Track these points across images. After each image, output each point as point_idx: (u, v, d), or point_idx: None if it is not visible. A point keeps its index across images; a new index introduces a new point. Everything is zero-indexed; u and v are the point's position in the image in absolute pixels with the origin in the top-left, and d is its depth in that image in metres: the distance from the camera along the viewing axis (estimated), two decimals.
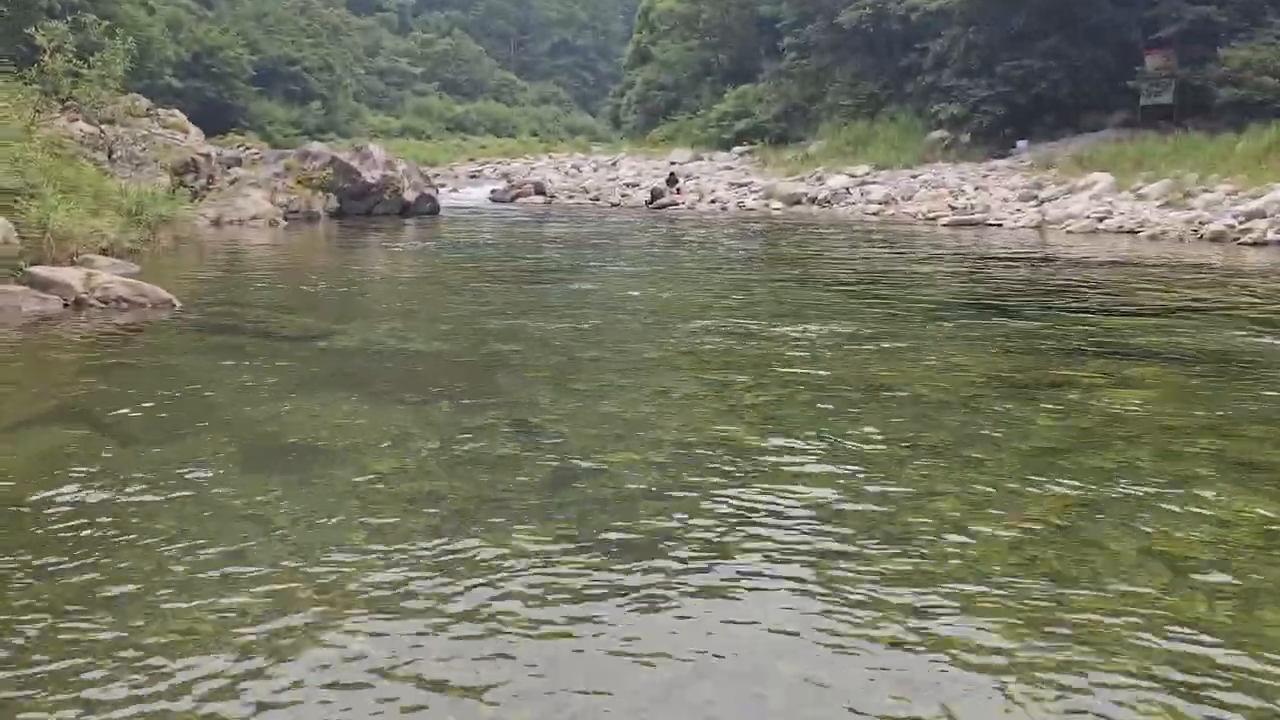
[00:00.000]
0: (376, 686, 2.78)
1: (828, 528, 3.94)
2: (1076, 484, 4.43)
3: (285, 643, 2.98)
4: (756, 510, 4.11)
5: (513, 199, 32.18)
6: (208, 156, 22.08)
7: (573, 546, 3.71)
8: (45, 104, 15.98)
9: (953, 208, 23.52)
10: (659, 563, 3.59)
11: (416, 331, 8.29)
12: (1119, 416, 5.63)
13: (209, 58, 57.92)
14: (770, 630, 3.13)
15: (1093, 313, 9.46)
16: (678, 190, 31.05)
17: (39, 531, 3.76)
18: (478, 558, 3.60)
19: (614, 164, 41.33)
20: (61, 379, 6.53)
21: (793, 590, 3.39)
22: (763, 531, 3.89)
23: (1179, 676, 2.86)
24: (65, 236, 10.01)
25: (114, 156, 17.57)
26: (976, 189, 25.70)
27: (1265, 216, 17.23)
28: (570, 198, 32.79)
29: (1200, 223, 17.94)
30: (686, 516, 4.03)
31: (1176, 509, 4.14)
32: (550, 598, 3.30)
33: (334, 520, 3.91)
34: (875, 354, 7.31)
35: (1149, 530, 3.92)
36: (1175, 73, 27.10)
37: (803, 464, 4.72)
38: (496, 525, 3.89)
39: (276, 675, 2.82)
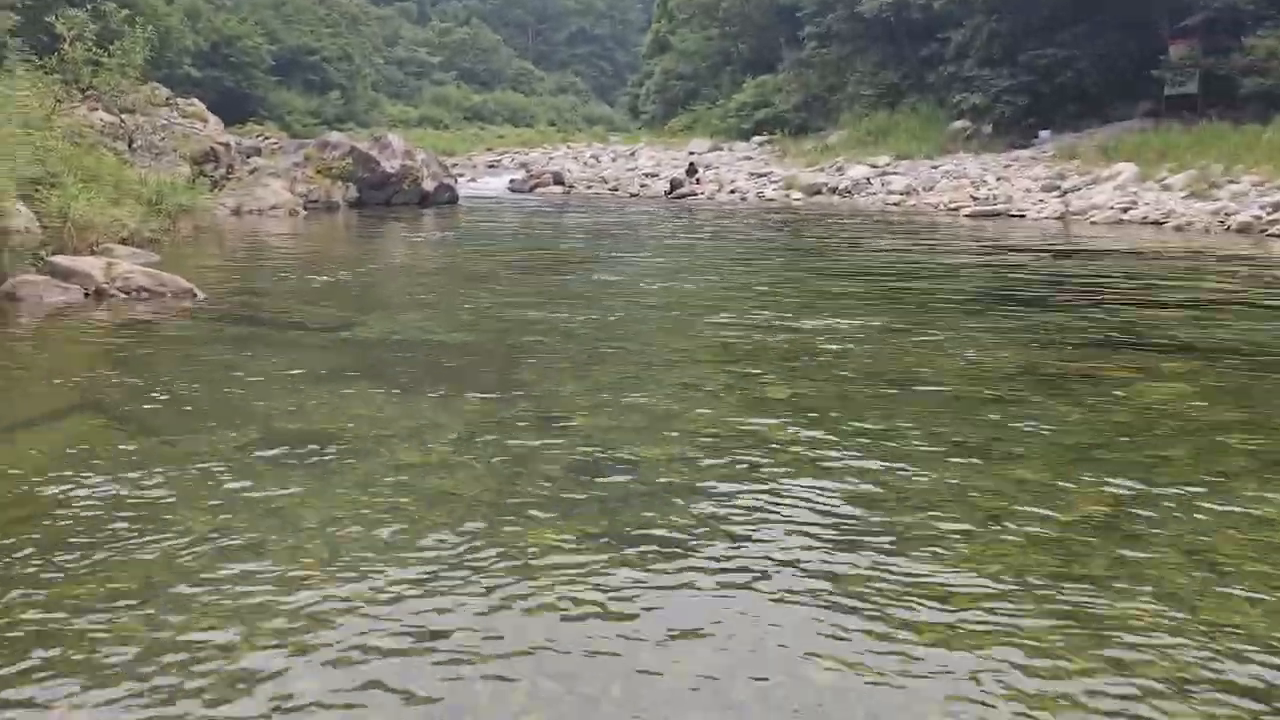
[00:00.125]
0: (402, 680, 2.73)
1: (861, 523, 3.87)
2: (1113, 481, 4.34)
3: (308, 636, 2.94)
4: (787, 506, 4.04)
5: (531, 189, 32.10)
6: (227, 146, 22.12)
7: (601, 541, 3.64)
8: (66, 93, 15.99)
9: (974, 198, 23.33)
10: (689, 559, 3.52)
11: (438, 322, 8.24)
12: (1153, 411, 5.54)
13: (227, 47, 58.05)
14: (803, 627, 3.07)
15: (1122, 305, 9.33)
16: (697, 180, 30.92)
17: (61, 523, 3.73)
18: (504, 552, 3.54)
19: (633, 154, 41.18)
20: (84, 370, 6.51)
21: (826, 587, 3.32)
22: (794, 528, 3.82)
23: (1218, 678, 2.79)
24: (86, 226, 10.00)
25: (134, 146, 17.60)
26: (998, 180, 25.48)
27: None
28: (589, 188, 32.71)
29: (1227, 214, 17.71)
30: (716, 511, 3.97)
31: (1215, 506, 4.06)
32: (578, 593, 3.24)
33: (358, 513, 3.86)
34: (904, 346, 7.21)
35: (1187, 529, 3.83)
36: (1200, 62, 26.76)
37: (834, 458, 4.65)
38: (522, 519, 3.84)
39: (299, 668, 2.77)
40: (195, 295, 8.93)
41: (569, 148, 48.47)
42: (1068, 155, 26.26)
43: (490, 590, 3.25)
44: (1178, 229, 17.78)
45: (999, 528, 3.83)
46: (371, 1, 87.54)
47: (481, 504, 3.99)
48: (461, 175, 32.72)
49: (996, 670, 2.83)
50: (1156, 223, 18.60)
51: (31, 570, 3.33)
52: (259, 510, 3.88)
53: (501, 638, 2.97)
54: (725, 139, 41.94)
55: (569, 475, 4.35)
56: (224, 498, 4.01)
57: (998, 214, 21.61)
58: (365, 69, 74.31)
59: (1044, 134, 29.70)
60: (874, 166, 30.11)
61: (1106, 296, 9.91)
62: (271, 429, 4.99)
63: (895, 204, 25.03)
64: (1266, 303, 9.54)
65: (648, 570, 3.43)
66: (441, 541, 3.62)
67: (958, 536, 3.74)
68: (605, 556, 3.52)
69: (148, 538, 3.60)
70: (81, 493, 4.03)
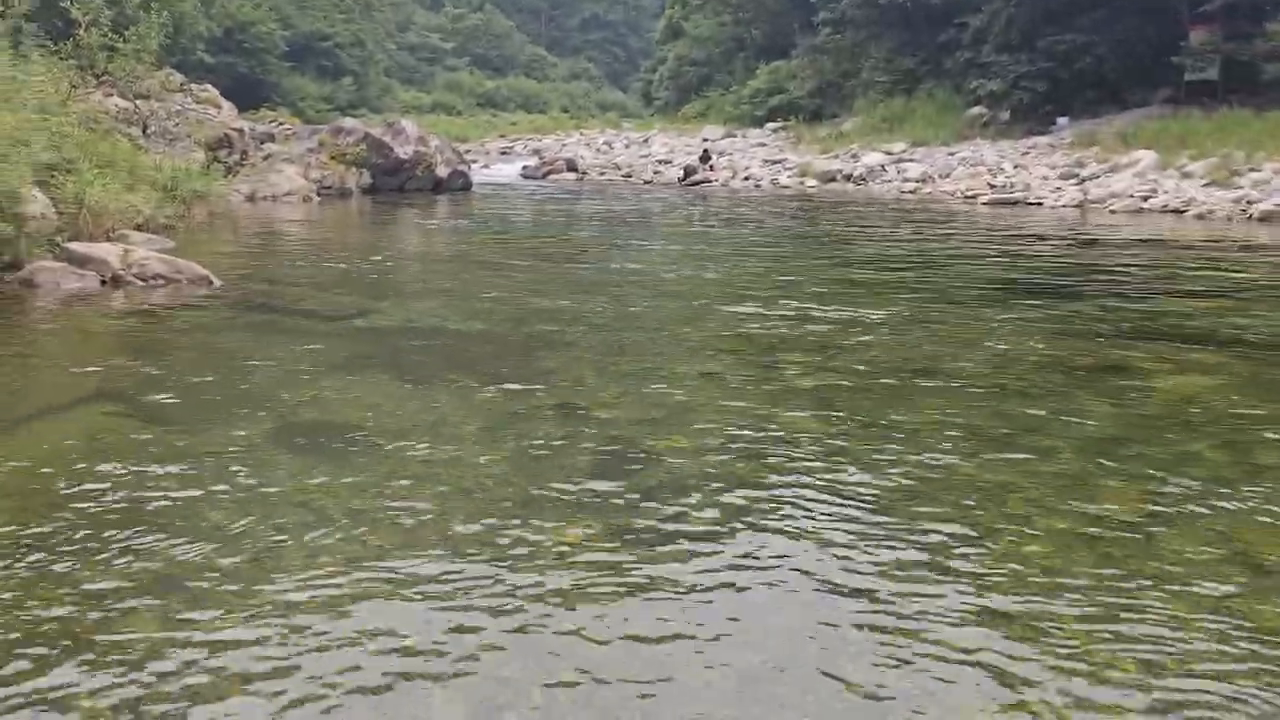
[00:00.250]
0: (422, 673, 2.68)
1: (890, 517, 3.80)
2: (1143, 476, 4.27)
3: (326, 628, 2.89)
4: (814, 500, 3.97)
5: (544, 175, 32.02)
6: (241, 132, 22.07)
7: (627, 537, 3.58)
8: (81, 78, 15.94)
9: (992, 186, 23.13)
10: (717, 555, 3.46)
11: (455, 310, 8.18)
12: (1181, 403, 5.45)
13: (241, 33, 57.93)
14: (833, 623, 3.01)
15: (1146, 295, 9.22)
16: (711, 167, 30.77)
17: (78, 513, 3.68)
18: (525, 545, 3.48)
19: (646, 141, 41.00)
20: (101, 358, 6.47)
21: (856, 584, 3.26)
22: (822, 522, 3.75)
23: (1255, 677, 2.72)
24: (101, 212, 9.96)
25: (148, 131, 17.57)
26: (1016, 167, 25.26)
27: None
28: (602, 174, 32.60)
29: (1249, 202, 17.53)
30: (743, 505, 3.90)
31: (1246, 502, 3.98)
32: (606, 588, 3.18)
33: (379, 505, 3.80)
34: (926, 337, 7.13)
35: (1219, 525, 3.76)
36: (1220, 48, 26.48)
37: (862, 451, 4.57)
38: (543, 512, 3.78)
39: (318, 660, 2.73)
40: (211, 282, 8.89)
41: (582, 134, 48.27)
42: (1086, 142, 26.00)
43: (516, 586, 3.19)
44: (1199, 217, 17.61)
45: (1030, 521, 3.77)
46: None
47: (504, 497, 3.93)
48: (475, 162, 32.60)
49: (1036, 668, 2.77)
50: (1177, 211, 18.42)
51: (48, 560, 3.28)
52: (278, 502, 3.83)
53: (528, 632, 2.91)
54: (739, 125, 41.69)
55: (592, 468, 4.28)
56: (242, 489, 3.96)
57: (1015, 202, 21.43)
58: (378, 55, 74.12)
59: (1062, 121, 29.39)
60: (889, 154, 29.88)
61: (1131, 286, 9.80)
62: (289, 419, 4.94)
63: (911, 191, 24.85)
64: None
65: (677, 566, 3.37)
66: (463, 534, 3.57)
67: (988, 530, 3.68)
68: (633, 554, 3.46)
69: (165, 529, 3.55)
70: (98, 483, 3.99)
